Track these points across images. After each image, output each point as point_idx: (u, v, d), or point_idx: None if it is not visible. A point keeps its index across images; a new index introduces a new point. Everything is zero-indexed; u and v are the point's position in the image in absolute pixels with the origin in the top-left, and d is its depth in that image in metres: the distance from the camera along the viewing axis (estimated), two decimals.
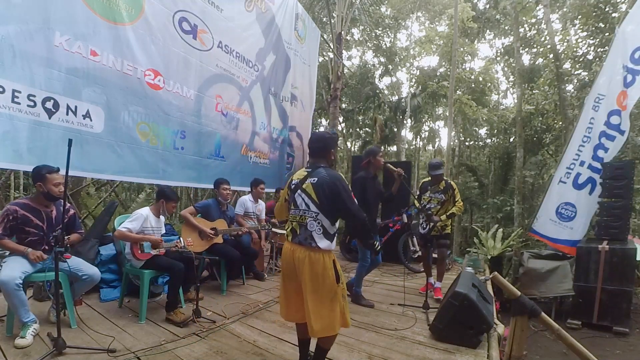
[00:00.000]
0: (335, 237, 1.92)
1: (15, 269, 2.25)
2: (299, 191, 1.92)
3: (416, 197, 4.13)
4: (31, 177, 2.49)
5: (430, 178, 4.04)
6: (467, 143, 17.31)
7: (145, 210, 2.92)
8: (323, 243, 1.82)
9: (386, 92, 17.77)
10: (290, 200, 1.99)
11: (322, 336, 1.84)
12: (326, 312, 1.80)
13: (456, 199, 3.85)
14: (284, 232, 4.87)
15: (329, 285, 1.80)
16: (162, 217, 3.10)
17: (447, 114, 11.05)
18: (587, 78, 8.96)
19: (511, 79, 15.06)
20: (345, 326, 1.90)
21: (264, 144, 5.86)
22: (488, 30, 15.27)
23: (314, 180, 1.87)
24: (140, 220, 2.83)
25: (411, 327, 2.84)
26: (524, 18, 10.82)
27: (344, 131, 18.41)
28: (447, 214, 3.84)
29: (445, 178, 4.06)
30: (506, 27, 14.22)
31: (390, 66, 17.05)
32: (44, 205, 2.50)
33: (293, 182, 1.99)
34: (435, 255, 5.06)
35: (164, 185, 3.15)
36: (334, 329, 1.82)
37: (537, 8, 10.28)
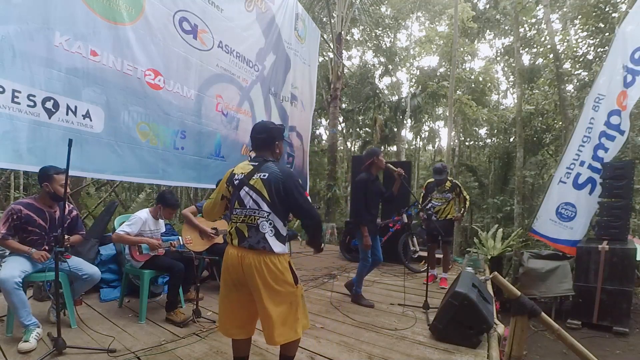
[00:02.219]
0: (287, 240, 1.78)
1: (15, 268, 2.25)
2: (245, 188, 1.69)
3: (422, 196, 4.44)
4: (38, 177, 2.51)
5: (434, 179, 4.35)
6: (467, 143, 17.33)
7: (144, 214, 2.91)
8: (277, 247, 1.65)
9: (386, 92, 17.79)
10: (233, 198, 1.74)
11: (284, 342, 1.67)
12: (288, 318, 1.66)
13: (464, 194, 4.28)
14: None
15: (287, 289, 1.66)
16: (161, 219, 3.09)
17: (447, 114, 11.05)
18: (587, 78, 8.97)
19: (511, 79, 15.09)
20: (306, 327, 1.76)
21: None
22: (488, 30, 15.29)
23: (264, 175, 1.67)
24: (139, 224, 2.82)
25: (411, 327, 2.84)
26: (524, 18, 10.83)
27: (344, 131, 18.42)
28: (465, 209, 4.30)
29: (449, 178, 4.37)
30: (506, 27, 14.24)
31: (390, 66, 17.06)
32: (48, 206, 2.51)
33: (236, 176, 1.74)
34: (437, 255, 5.14)
35: (167, 191, 3.11)
36: (296, 333, 1.68)
37: (537, 8, 10.29)
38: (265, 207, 1.65)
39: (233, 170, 1.81)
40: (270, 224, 1.65)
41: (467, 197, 4.31)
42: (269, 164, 1.72)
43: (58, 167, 2.46)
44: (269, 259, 1.62)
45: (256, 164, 1.74)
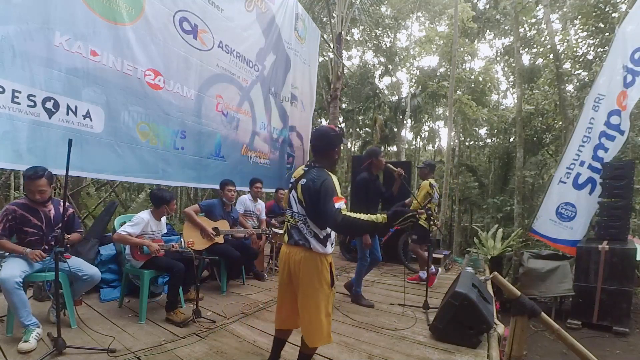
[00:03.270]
0: (331, 241, 1.81)
1: (15, 268, 2.25)
2: (293, 191, 1.86)
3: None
4: None
5: None
6: (467, 143, 17.31)
7: (146, 215, 2.91)
8: (317, 246, 1.74)
9: (386, 92, 17.77)
10: (288, 199, 1.94)
11: (318, 345, 1.77)
12: (320, 318, 1.73)
13: (416, 194, 4.10)
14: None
15: (324, 289, 1.75)
16: (163, 219, 3.09)
17: (447, 114, 11.04)
18: (587, 78, 8.96)
19: (511, 79, 15.07)
20: (327, 340, 1.79)
21: (264, 144, 5.86)
22: (488, 30, 15.27)
23: (304, 181, 1.79)
24: (141, 225, 2.82)
25: (411, 327, 2.84)
26: (524, 18, 10.82)
27: (344, 131, 18.40)
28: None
29: (429, 180, 4.25)
30: (506, 27, 14.23)
31: (390, 66, 17.04)
32: (41, 205, 2.48)
33: (292, 180, 1.93)
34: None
35: (157, 191, 3.06)
36: (328, 337, 1.76)
37: (537, 8, 10.27)
38: (301, 210, 1.78)
39: (294, 173, 1.96)
40: (307, 226, 1.76)
41: (416, 205, 3.74)
42: (313, 170, 1.81)
43: (37, 169, 2.37)
44: (311, 256, 1.75)
45: (306, 169, 1.86)
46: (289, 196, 1.89)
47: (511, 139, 13.04)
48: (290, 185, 1.91)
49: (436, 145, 19.47)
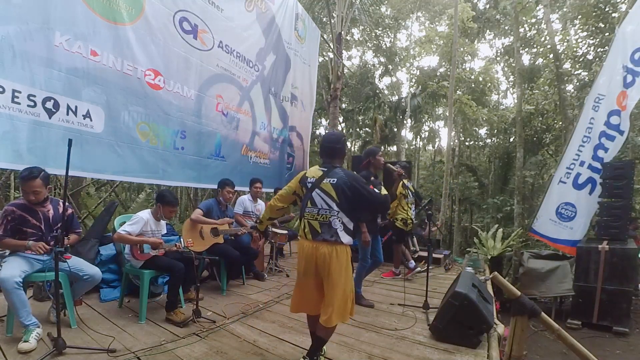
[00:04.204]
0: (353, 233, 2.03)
1: (15, 267, 2.25)
2: (316, 190, 1.98)
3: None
4: None
5: None
6: (467, 143, 17.32)
7: (146, 214, 2.91)
8: (346, 238, 1.95)
9: (386, 92, 17.78)
10: (305, 198, 2.04)
11: (337, 322, 1.96)
12: (347, 300, 1.95)
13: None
14: (284, 232, 4.87)
15: (349, 276, 1.97)
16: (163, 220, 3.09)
17: (447, 114, 11.05)
18: (587, 78, 8.98)
19: (511, 79, 15.07)
20: (352, 314, 2.04)
21: (264, 144, 5.86)
22: (488, 30, 15.28)
23: (333, 180, 1.96)
24: (141, 223, 2.82)
25: (411, 327, 2.84)
26: (524, 18, 10.83)
27: (344, 131, 18.41)
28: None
29: (408, 181, 4.27)
30: (506, 27, 14.24)
31: (390, 66, 17.05)
32: (39, 205, 2.47)
33: (308, 179, 2.04)
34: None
35: (165, 190, 3.08)
36: (346, 317, 1.99)
37: (537, 8, 10.28)
38: (334, 206, 1.94)
39: (305, 173, 2.12)
40: (339, 220, 1.94)
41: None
42: (336, 170, 2.01)
43: (36, 169, 2.35)
44: (339, 248, 1.94)
45: (325, 169, 2.03)
46: (309, 195, 2.00)
47: (511, 139, 13.06)
48: (310, 184, 2.02)
49: (436, 145, 19.48)
